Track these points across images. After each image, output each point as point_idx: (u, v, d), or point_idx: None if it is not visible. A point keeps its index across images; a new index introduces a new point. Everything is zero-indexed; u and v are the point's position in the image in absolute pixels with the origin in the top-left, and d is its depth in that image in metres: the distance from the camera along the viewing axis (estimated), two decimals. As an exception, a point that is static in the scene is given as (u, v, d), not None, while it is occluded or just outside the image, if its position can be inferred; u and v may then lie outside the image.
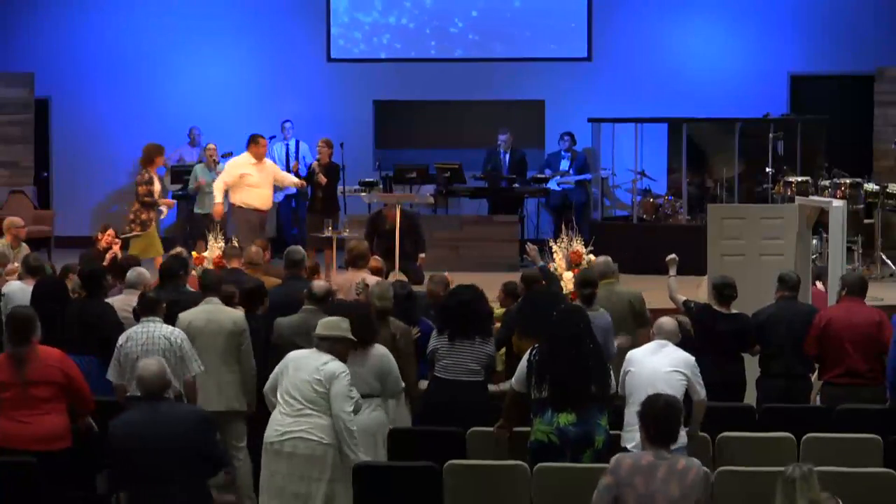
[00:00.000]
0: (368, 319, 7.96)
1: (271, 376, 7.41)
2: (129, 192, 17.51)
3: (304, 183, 14.40)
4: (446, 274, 10.30)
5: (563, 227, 12.41)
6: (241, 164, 13.62)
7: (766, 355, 9.12)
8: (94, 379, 8.00)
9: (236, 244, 11.66)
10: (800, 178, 14.51)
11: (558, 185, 16.32)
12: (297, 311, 8.61)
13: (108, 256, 11.52)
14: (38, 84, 17.15)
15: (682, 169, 15.80)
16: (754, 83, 17.11)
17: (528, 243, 10.92)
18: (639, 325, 9.64)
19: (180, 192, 15.23)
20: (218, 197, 13.53)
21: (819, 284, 11.05)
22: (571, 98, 17.30)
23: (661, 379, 7.44)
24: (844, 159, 15.50)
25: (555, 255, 11.60)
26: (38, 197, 17.29)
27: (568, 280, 11.12)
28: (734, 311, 9.11)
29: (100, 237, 12.13)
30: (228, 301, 8.93)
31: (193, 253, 12.17)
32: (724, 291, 9.10)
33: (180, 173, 15.71)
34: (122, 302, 9.06)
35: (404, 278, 11.44)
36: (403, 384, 8.05)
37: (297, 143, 16.42)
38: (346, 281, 10.01)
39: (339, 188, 15.11)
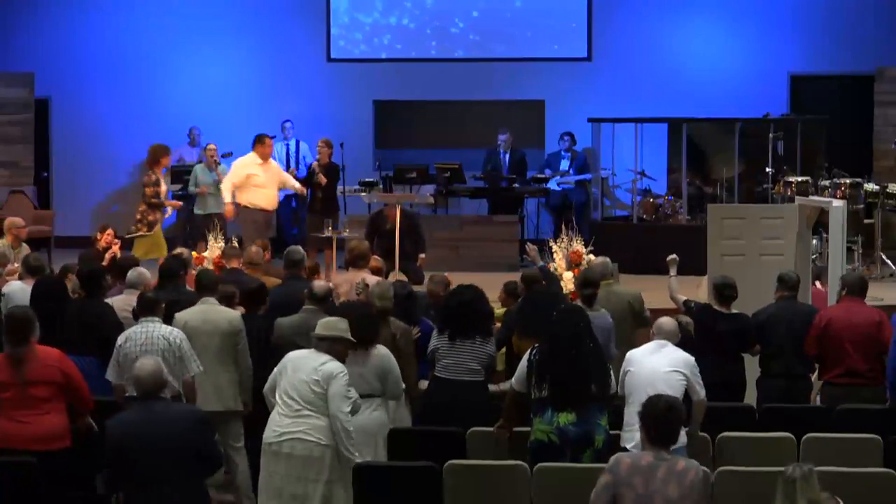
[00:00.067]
0: (370, 320, 7.96)
1: (271, 377, 7.41)
2: (130, 191, 17.60)
3: (305, 190, 14.42)
4: (446, 274, 10.29)
5: (563, 227, 12.40)
6: (247, 165, 13.64)
7: (766, 355, 9.12)
8: (94, 379, 8.00)
9: (236, 244, 11.66)
10: (800, 178, 14.51)
11: (558, 185, 16.32)
12: (297, 311, 8.61)
13: (107, 256, 11.51)
14: (38, 84, 17.15)
15: (682, 169, 15.80)
16: (754, 83, 17.11)
17: (528, 243, 10.93)
18: (638, 325, 9.64)
19: (180, 193, 15.23)
20: (227, 197, 13.57)
21: (818, 284, 11.05)
22: (571, 98, 17.30)
23: (661, 379, 7.45)
24: (844, 159, 15.50)
25: (555, 255, 11.59)
26: (38, 197, 17.29)
27: (568, 280, 11.12)
28: (734, 311, 9.12)
29: (99, 237, 12.13)
30: (229, 301, 8.94)
31: (193, 253, 12.17)
32: (725, 292, 9.10)
33: (180, 173, 15.71)
34: (123, 302, 9.06)
35: (404, 278, 11.44)
36: (403, 386, 8.05)
37: (298, 143, 16.41)
38: (346, 281, 10.01)
39: (339, 188, 15.12)
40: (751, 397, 9.04)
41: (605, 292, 9.42)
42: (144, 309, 8.08)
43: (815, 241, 12.74)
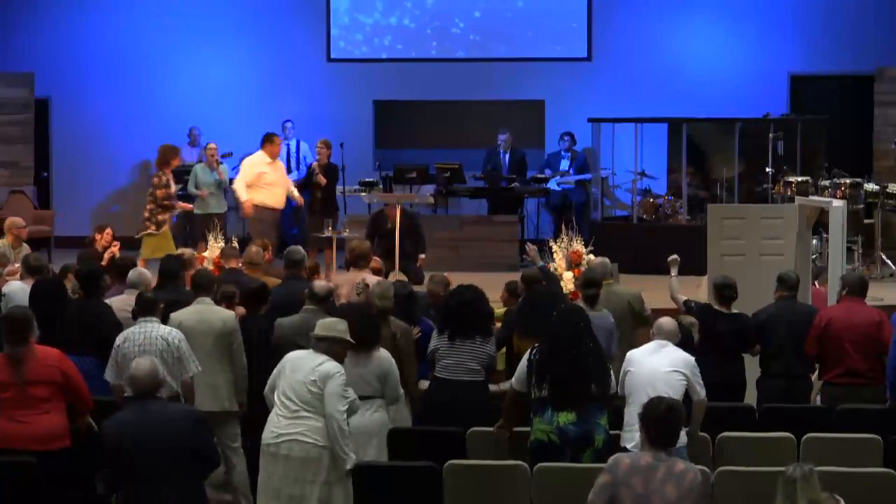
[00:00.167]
0: (371, 321, 7.96)
1: (270, 377, 7.41)
2: (130, 191, 17.62)
3: (303, 200, 14.44)
4: (446, 274, 10.29)
5: (563, 227, 12.40)
6: (257, 164, 13.67)
7: (766, 355, 9.12)
8: (93, 379, 8.00)
9: (236, 245, 11.66)
10: (800, 178, 14.51)
11: (558, 185, 16.32)
12: (297, 311, 8.61)
13: (106, 256, 11.52)
14: (38, 84, 17.15)
15: (682, 169, 15.80)
16: (754, 83, 17.11)
17: (528, 243, 10.93)
18: (639, 324, 9.64)
19: (181, 193, 15.23)
20: (244, 195, 13.58)
21: (816, 284, 11.05)
22: (571, 98, 17.30)
23: (661, 379, 7.45)
24: (844, 159, 15.50)
25: (555, 255, 11.59)
26: (38, 197, 17.29)
27: (568, 280, 11.13)
28: (734, 311, 9.12)
29: (98, 238, 12.12)
30: (229, 301, 8.94)
31: (194, 253, 12.16)
32: (725, 292, 9.11)
33: (180, 173, 15.68)
34: (123, 302, 9.04)
35: (404, 278, 11.44)
36: (402, 391, 8.04)
37: (298, 143, 16.41)
38: (347, 282, 10.01)
39: (339, 188, 15.12)
40: (751, 397, 9.04)
41: (605, 292, 9.41)
42: (143, 309, 8.08)
43: (815, 241, 12.74)
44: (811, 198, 12.68)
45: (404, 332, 8.53)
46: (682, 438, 7.15)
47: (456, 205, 16.94)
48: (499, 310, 9.81)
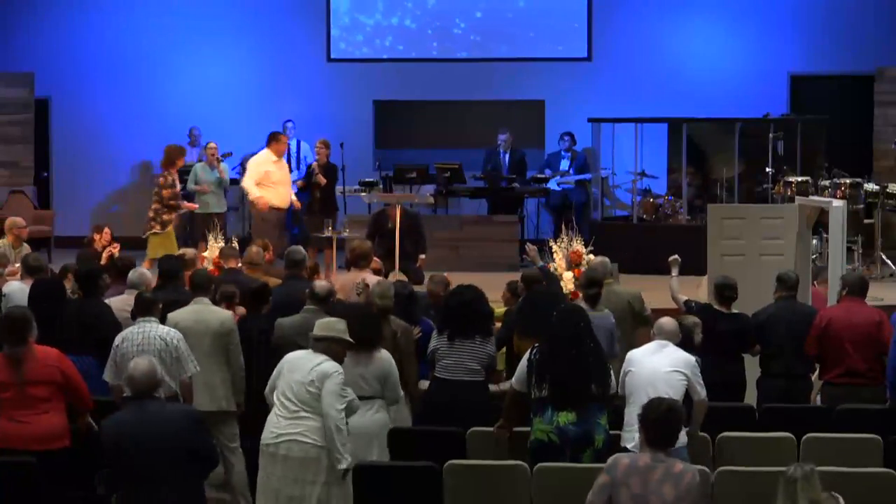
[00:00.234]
0: (373, 321, 7.96)
1: (271, 378, 7.41)
2: (130, 191, 17.64)
3: (300, 205, 14.47)
4: (446, 274, 10.29)
5: (563, 227, 12.40)
6: (263, 162, 13.70)
7: (766, 355, 9.12)
8: (93, 379, 8.00)
9: (236, 245, 11.65)
10: (800, 178, 14.52)
11: (558, 185, 16.32)
12: (297, 311, 8.60)
13: (104, 255, 11.53)
14: (38, 84, 17.16)
15: (682, 169, 15.80)
16: (754, 83, 17.12)
17: (528, 243, 10.94)
18: (639, 324, 9.64)
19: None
20: (255, 192, 13.60)
21: (816, 284, 11.04)
22: (571, 98, 17.30)
23: (662, 379, 7.44)
24: (844, 159, 15.50)
25: (555, 255, 11.59)
26: (38, 197, 17.30)
27: (568, 280, 11.13)
28: (734, 311, 9.12)
29: (96, 238, 12.11)
30: (229, 301, 8.94)
31: (196, 253, 12.16)
32: (725, 292, 9.11)
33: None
34: (123, 302, 9.03)
35: (404, 278, 11.44)
36: (402, 392, 8.04)
37: (299, 143, 16.41)
38: (347, 281, 10.00)
39: (339, 188, 15.13)
40: (751, 397, 9.04)
41: (605, 292, 9.40)
42: (142, 309, 8.07)
43: (815, 241, 12.74)
44: (811, 198, 12.69)
45: (405, 332, 8.53)
46: (683, 438, 7.16)
47: (456, 205, 16.94)
48: (499, 309, 9.81)
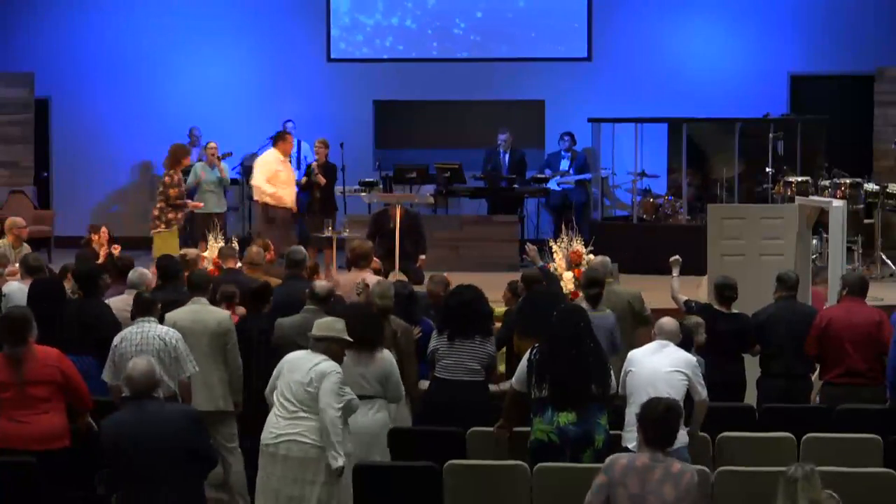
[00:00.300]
0: (375, 321, 7.96)
1: (271, 379, 7.40)
2: (130, 191, 17.65)
3: (295, 209, 14.49)
4: (446, 274, 10.29)
5: (563, 227, 12.40)
6: (272, 162, 13.77)
7: (766, 355, 9.12)
8: (92, 379, 7.99)
9: (236, 245, 11.65)
10: (800, 178, 14.51)
11: (558, 185, 16.31)
12: (297, 311, 8.60)
13: (101, 254, 11.53)
14: (38, 84, 17.16)
15: (682, 169, 15.80)
16: (754, 83, 17.11)
17: (528, 243, 10.93)
18: (639, 324, 9.64)
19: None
20: (269, 189, 13.59)
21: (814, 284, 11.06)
22: (571, 98, 17.30)
23: (662, 379, 7.44)
24: (844, 159, 15.50)
25: (555, 255, 11.59)
26: (38, 197, 17.30)
27: (568, 280, 11.13)
28: (734, 311, 9.12)
29: (96, 238, 12.11)
30: (229, 301, 8.93)
31: (198, 253, 12.16)
32: (725, 292, 9.12)
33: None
34: (123, 302, 9.03)
35: (404, 278, 11.44)
36: (404, 391, 8.03)
37: (299, 142, 16.38)
38: (347, 281, 10.00)
39: (339, 188, 15.12)
40: (751, 397, 9.04)
41: (605, 292, 9.41)
42: (141, 309, 8.07)
43: (815, 241, 12.74)
44: (811, 198, 12.68)
45: (405, 332, 8.53)
46: (684, 438, 7.17)
47: (456, 205, 16.94)
48: (499, 309, 9.81)
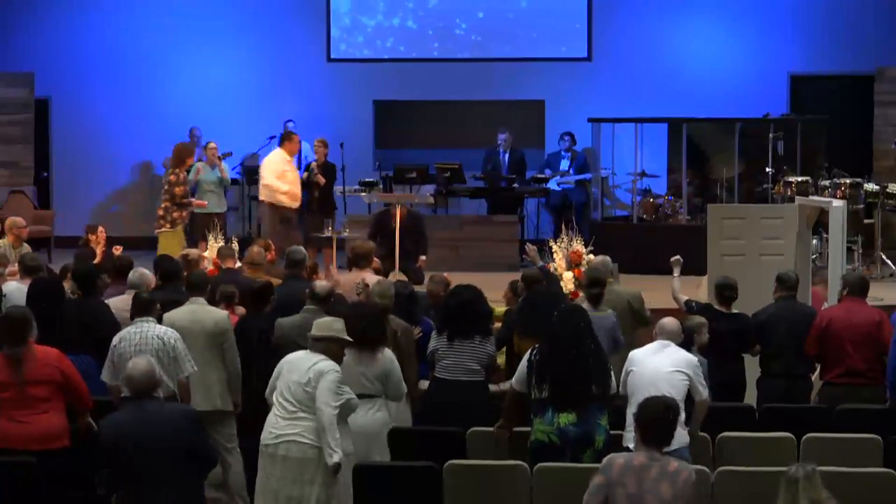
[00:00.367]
0: (377, 321, 7.95)
1: (271, 379, 7.40)
2: (130, 191, 17.65)
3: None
4: (446, 274, 10.29)
5: (563, 227, 12.41)
6: (280, 161, 13.79)
7: (767, 355, 9.12)
8: (92, 379, 7.98)
9: (235, 245, 11.65)
10: (800, 178, 14.51)
11: (558, 185, 16.31)
12: (297, 311, 8.59)
13: (98, 252, 11.53)
14: (38, 84, 17.16)
15: (682, 169, 15.80)
16: (754, 83, 17.11)
17: (528, 243, 10.93)
18: (638, 324, 9.64)
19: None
20: (282, 187, 13.62)
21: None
22: (571, 98, 17.30)
23: (663, 379, 7.43)
24: (844, 159, 15.51)
25: (555, 255, 11.59)
26: (38, 197, 17.30)
27: (568, 280, 11.12)
28: (734, 311, 9.12)
29: (94, 238, 12.11)
30: (229, 301, 8.92)
31: (200, 253, 12.16)
32: (725, 292, 9.11)
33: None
34: (123, 302, 9.01)
35: (405, 278, 11.43)
36: (405, 389, 8.02)
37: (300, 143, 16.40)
38: (347, 281, 10.00)
39: (339, 188, 15.12)
40: (751, 397, 9.04)
41: (605, 291, 9.41)
42: (139, 309, 8.06)
43: (815, 241, 12.74)
44: (811, 198, 12.68)
45: (405, 331, 8.52)
46: (685, 438, 7.17)
47: (456, 205, 16.94)
48: (499, 309, 9.80)
